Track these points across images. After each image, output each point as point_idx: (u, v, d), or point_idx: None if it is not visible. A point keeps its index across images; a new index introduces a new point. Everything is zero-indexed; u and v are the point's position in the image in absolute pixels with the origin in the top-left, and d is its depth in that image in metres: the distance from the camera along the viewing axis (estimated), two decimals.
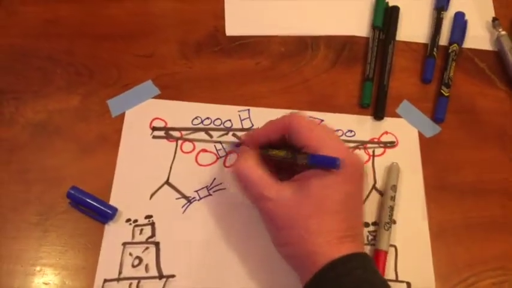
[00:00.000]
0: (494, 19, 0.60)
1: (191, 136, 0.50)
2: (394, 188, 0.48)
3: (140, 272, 0.43)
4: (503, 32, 0.59)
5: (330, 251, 0.37)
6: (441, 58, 0.58)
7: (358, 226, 0.41)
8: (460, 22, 0.60)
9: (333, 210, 0.38)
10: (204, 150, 0.50)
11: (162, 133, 0.50)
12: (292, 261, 0.41)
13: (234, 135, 0.51)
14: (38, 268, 0.43)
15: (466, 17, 0.60)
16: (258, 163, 0.42)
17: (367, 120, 0.53)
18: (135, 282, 0.43)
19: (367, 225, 0.47)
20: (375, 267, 0.39)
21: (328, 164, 0.38)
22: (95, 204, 0.45)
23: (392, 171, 0.49)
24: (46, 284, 0.42)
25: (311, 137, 0.41)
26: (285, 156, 0.42)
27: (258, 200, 0.41)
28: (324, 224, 0.38)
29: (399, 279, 0.45)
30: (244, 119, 0.52)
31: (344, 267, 0.36)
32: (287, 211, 0.39)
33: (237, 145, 0.48)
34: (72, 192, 0.45)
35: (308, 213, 0.38)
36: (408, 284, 0.45)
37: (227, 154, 0.49)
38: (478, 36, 0.60)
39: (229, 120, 0.51)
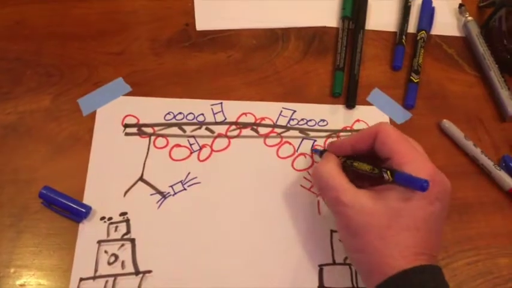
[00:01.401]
0: (460, 5, 0.61)
1: (164, 132, 0.50)
2: None
3: (116, 269, 0.43)
4: (470, 18, 0.60)
5: (404, 265, 0.36)
6: (410, 45, 0.58)
7: (436, 247, 0.39)
8: (427, 9, 0.61)
9: (412, 227, 0.37)
10: (178, 145, 0.50)
11: (134, 130, 0.50)
12: (361, 268, 0.40)
13: (207, 129, 0.51)
14: (12, 270, 0.43)
15: (434, 4, 0.61)
16: (338, 168, 0.42)
17: (339, 109, 0.54)
18: (111, 279, 0.43)
19: None
20: (446, 282, 0.38)
21: (415, 185, 0.37)
22: (68, 203, 0.44)
23: None
24: (22, 285, 0.42)
25: (397, 150, 0.40)
26: (370, 171, 0.40)
27: (335, 204, 0.40)
28: (401, 238, 0.37)
29: None
30: (217, 112, 0.52)
31: (416, 278, 0.36)
32: (363, 219, 0.38)
33: (321, 153, 0.46)
34: (45, 192, 0.45)
35: (385, 224, 0.37)
36: None
37: (201, 148, 0.50)
38: (446, 23, 0.61)
39: (202, 114, 0.51)
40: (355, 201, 0.39)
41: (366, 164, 0.41)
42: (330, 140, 0.51)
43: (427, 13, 0.60)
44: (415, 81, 0.55)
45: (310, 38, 0.58)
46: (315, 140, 0.51)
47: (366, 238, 0.38)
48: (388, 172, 0.38)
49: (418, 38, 0.58)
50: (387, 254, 0.37)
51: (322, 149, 0.48)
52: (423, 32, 0.58)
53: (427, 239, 0.38)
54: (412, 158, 0.39)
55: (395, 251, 0.37)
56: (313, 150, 0.50)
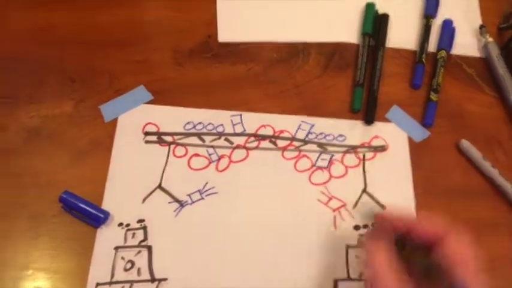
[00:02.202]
0: (481, 26, 0.61)
1: (183, 141, 0.50)
2: None
3: (132, 275, 0.44)
4: (491, 39, 0.60)
5: None
6: (430, 64, 0.59)
7: None
8: (448, 29, 0.61)
9: None
10: (197, 155, 0.50)
11: (154, 138, 0.50)
12: None
13: (226, 139, 0.51)
14: (29, 272, 0.43)
15: (454, 24, 0.61)
16: (392, 259, 0.36)
17: (358, 124, 0.54)
18: (127, 285, 0.43)
19: (357, 227, 0.48)
20: None
21: None
22: (87, 208, 0.45)
23: None
24: None
25: (458, 272, 0.35)
26: (423, 271, 0.36)
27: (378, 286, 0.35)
28: None
29: None
30: (237, 123, 0.52)
31: None
32: None
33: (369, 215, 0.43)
34: (65, 196, 0.45)
35: None
36: None
37: (220, 158, 0.50)
38: (466, 43, 0.61)
39: (222, 125, 0.52)
40: None
41: (420, 260, 0.36)
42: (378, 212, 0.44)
43: (448, 33, 0.60)
44: (434, 100, 0.55)
45: (331, 53, 0.58)
46: (333, 155, 0.51)
47: None
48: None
49: (438, 57, 0.58)
50: None
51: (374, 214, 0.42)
52: (443, 51, 0.58)
53: None
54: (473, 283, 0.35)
55: None
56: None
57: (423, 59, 0.58)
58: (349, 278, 0.45)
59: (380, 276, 0.35)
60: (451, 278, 0.35)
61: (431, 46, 0.60)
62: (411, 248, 0.37)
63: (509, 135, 0.55)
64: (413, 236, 0.37)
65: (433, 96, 0.55)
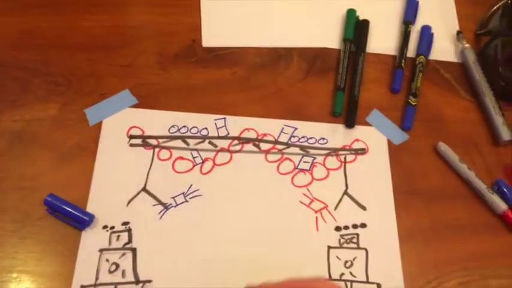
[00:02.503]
0: (458, 32, 0.63)
1: (168, 144, 0.51)
2: None
3: (117, 277, 0.44)
4: (467, 45, 0.62)
5: None
6: (409, 69, 0.60)
7: None
8: (426, 35, 0.63)
9: None
10: (181, 158, 0.51)
11: (139, 141, 0.51)
12: None
13: (210, 143, 0.52)
14: (14, 275, 0.43)
15: (432, 30, 0.63)
16: None
17: (339, 128, 0.55)
18: (111, 287, 0.43)
19: (338, 229, 0.49)
20: None
21: None
22: (71, 211, 0.45)
23: None
24: None
25: None
26: None
27: None
28: None
29: (370, 280, 0.46)
30: (221, 127, 0.53)
31: None
32: None
33: None
34: (49, 199, 0.45)
35: None
36: (378, 285, 0.46)
37: (204, 161, 0.51)
38: (444, 49, 0.63)
39: (206, 128, 0.53)
40: None
41: None
42: None
43: (426, 38, 0.62)
44: (413, 104, 0.57)
45: (313, 58, 0.60)
46: (315, 158, 0.53)
47: None
48: None
49: (417, 62, 0.60)
50: None
51: None
52: (422, 56, 0.60)
53: None
54: None
55: None
56: None
57: (402, 64, 0.59)
58: (330, 278, 0.46)
59: None
60: None
61: (410, 51, 0.61)
62: None
63: (485, 138, 0.57)
64: None
65: (412, 101, 0.57)
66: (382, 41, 0.62)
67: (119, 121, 0.52)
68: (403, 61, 0.60)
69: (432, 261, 0.49)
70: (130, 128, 0.51)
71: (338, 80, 0.57)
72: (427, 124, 0.57)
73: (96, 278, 0.44)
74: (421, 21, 0.64)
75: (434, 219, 0.51)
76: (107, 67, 0.55)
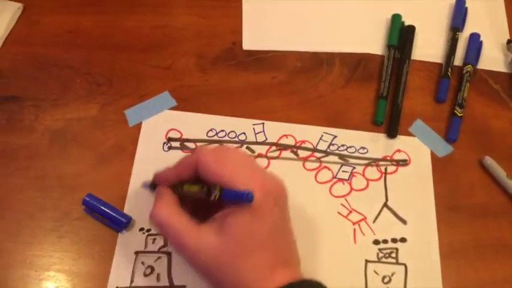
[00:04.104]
0: (509, 41, 0.60)
1: None
2: None
3: (151, 281, 0.44)
4: None
5: (264, 285, 0.36)
6: (455, 78, 0.58)
7: (289, 251, 0.39)
8: (475, 43, 0.60)
9: (260, 246, 0.37)
10: None
11: (177, 144, 0.51)
12: None
13: (248, 148, 0.51)
14: (51, 273, 0.44)
15: (481, 38, 0.61)
16: (176, 208, 0.40)
17: (380, 137, 0.54)
18: None
19: (377, 242, 0.47)
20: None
21: (241, 199, 0.36)
22: (109, 212, 0.45)
23: None
24: None
25: (221, 172, 0.38)
26: (199, 191, 0.39)
27: (181, 250, 0.39)
28: (252, 261, 0.37)
29: None
30: (259, 132, 0.52)
31: None
32: (212, 256, 0.37)
33: (151, 186, 0.44)
34: (88, 199, 0.46)
35: (235, 253, 0.37)
36: None
37: None
38: (493, 58, 0.60)
39: (244, 133, 0.52)
40: (199, 242, 0.37)
41: (194, 185, 0.40)
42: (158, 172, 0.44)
43: (475, 47, 0.60)
44: (459, 115, 0.55)
45: (355, 64, 0.58)
46: (354, 167, 0.51)
47: (222, 273, 0.37)
48: (217, 189, 0.37)
49: (464, 71, 0.57)
50: (245, 281, 0.36)
51: (150, 182, 0.44)
52: (470, 65, 0.58)
53: (277, 249, 0.38)
54: (238, 175, 0.38)
55: (251, 276, 0.36)
56: (144, 186, 0.45)
57: (449, 73, 0.57)
58: None
59: (166, 228, 0.39)
60: (216, 182, 0.38)
61: (457, 60, 0.59)
62: (184, 185, 0.40)
63: None
64: (184, 179, 0.41)
65: (458, 112, 0.55)
66: (428, 47, 0.60)
67: (158, 123, 0.52)
68: (449, 70, 0.57)
69: (473, 280, 0.47)
70: (169, 130, 0.51)
71: (381, 87, 0.56)
72: (473, 136, 0.54)
73: (132, 281, 0.44)
74: (469, 28, 0.62)
75: (478, 236, 0.49)
76: (148, 68, 0.55)
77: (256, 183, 0.37)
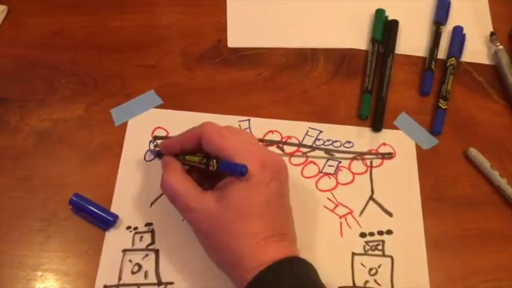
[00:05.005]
0: (492, 34, 0.61)
1: None
2: None
3: (139, 278, 0.44)
4: (501, 47, 0.60)
5: (257, 254, 0.38)
6: (439, 71, 0.58)
7: (285, 226, 0.41)
8: (458, 36, 0.61)
9: (255, 214, 0.39)
10: None
11: None
12: (223, 269, 0.41)
13: None
14: (39, 273, 0.44)
15: (465, 31, 0.61)
16: (183, 175, 0.43)
17: (366, 131, 0.54)
18: None
19: (363, 235, 0.48)
20: (304, 268, 0.39)
21: (235, 171, 0.38)
22: (96, 211, 0.46)
23: None
24: None
25: (223, 146, 0.41)
26: (199, 162, 0.42)
27: (184, 211, 0.41)
28: (247, 227, 0.38)
29: None
30: (245, 129, 0.53)
31: (273, 274, 0.37)
32: (212, 220, 0.39)
33: (157, 153, 0.49)
34: (75, 199, 0.46)
35: (231, 219, 0.39)
36: None
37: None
38: (476, 50, 0.61)
39: None
40: (202, 205, 0.40)
41: (195, 156, 0.43)
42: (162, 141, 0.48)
43: (458, 40, 0.60)
44: (443, 107, 0.55)
45: (340, 60, 0.59)
46: (340, 161, 0.52)
47: (218, 237, 0.39)
48: (214, 161, 0.40)
49: (448, 64, 0.58)
50: (239, 247, 0.38)
51: (157, 150, 0.49)
52: (453, 58, 0.58)
53: (272, 221, 0.39)
54: (239, 149, 0.40)
55: (245, 243, 0.38)
56: (150, 151, 0.50)
57: (433, 66, 0.58)
58: (354, 286, 0.45)
59: (174, 191, 0.42)
60: (217, 155, 0.41)
61: (441, 53, 0.60)
62: (189, 155, 0.44)
63: None
64: (187, 149, 0.44)
65: (442, 104, 0.55)
66: (412, 41, 0.61)
67: (144, 122, 0.52)
68: (433, 63, 0.58)
69: (460, 270, 0.47)
70: (155, 128, 0.52)
71: (365, 81, 0.56)
72: (457, 129, 0.55)
73: (119, 279, 0.44)
74: (452, 21, 0.62)
75: (463, 227, 0.50)
76: (133, 67, 0.55)
77: (255, 157, 0.40)
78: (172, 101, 0.54)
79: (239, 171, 0.38)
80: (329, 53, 0.59)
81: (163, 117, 0.52)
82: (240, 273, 0.38)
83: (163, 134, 0.51)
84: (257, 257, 0.38)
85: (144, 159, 0.50)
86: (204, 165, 0.42)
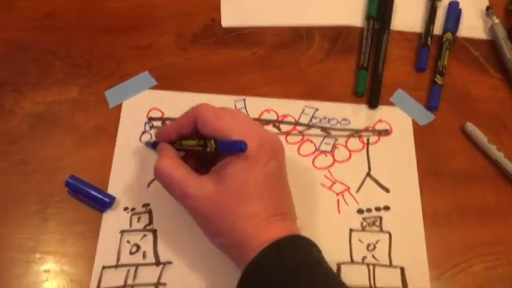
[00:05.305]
0: (488, 8, 0.60)
1: None
2: None
3: (138, 259, 0.44)
4: (497, 21, 0.59)
5: (260, 234, 0.38)
6: (435, 47, 0.58)
7: (285, 204, 0.41)
8: (454, 11, 0.60)
9: (254, 194, 0.39)
10: None
11: (159, 123, 0.51)
12: (225, 251, 0.41)
13: None
14: (38, 256, 0.44)
15: (460, 6, 0.61)
16: (178, 161, 0.42)
17: (362, 108, 0.54)
18: (132, 268, 0.44)
19: (360, 211, 0.48)
20: (307, 246, 0.39)
21: (234, 148, 0.38)
22: (92, 192, 0.46)
23: None
24: (46, 271, 0.43)
25: (220, 126, 0.40)
26: (196, 145, 0.41)
27: (182, 198, 0.41)
28: (248, 208, 0.38)
29: (393, 264, 0.46)
30: (240, 108, 0.52)
31: (276, 252, 0.37)
32: (211, 204, 0.39)
33: (153, 145, 0.47)
34: (71, 181, 0.46)
35: (231, 201, 0.38)
36: (402, 269, 0.45)
37: None
38: (472, 25, 0.60)
39: None
40: (200, 190, 0.39)
41: (192, 139, 0.42)
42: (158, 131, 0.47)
43: (454, 15, 0.60)
44: (440, 83, 0.55)
45: (335, 37, 0.58)
46: (337, 139, 0.51)
47: (219, 221, 0.39)
48: (212, 141, 0.40)
49: (444, 39, 0.57)
50: (241, 228, 0.38)
51: (153, 141, 0.48)
52: (449, 33, 0.58)
53: (272, 200, 0.39)
54: (235, 129, 0.40)
55: (247, 224, 0.38)
56: (146, 144, 0.49)
57: (428, 42, 0.57)
58: (352, 262, 0.46)
59: (169, 178, 0.41)
60: (214, 135, 0.40)
61: (437, 28, 0.59)
62: (185, 140, 0.43)
63: None
64: (184, 134, 0.43)
65: (438, 80, 0.55)
66: (407, 17, 0.60)
67: (139, 103, 0.52)
68: (429, 38, 0.58)
69: (458, 245, 0.47)
70: (150, 110, 0.51)
71: (361, 58, 0.56)
72: (454, 104, 0.55)
73: (118, 259, 0.44)
74: None
75: (461, 202, 0.50)
76: (127, 49, 0.55)
77: (252, 136, 0.39)
78: (166, 81, 0.53)
79: (238, 148, 0.37)
80: (324, 31, 0.58)
81: (158, 98, 0.52)
82: (242, 254, 0.38)
83: (159, 115, 0.51)
84: (260, 236, 0.38)
85: (140, 140, 0.50)
86: (201, 147, 0.41)
